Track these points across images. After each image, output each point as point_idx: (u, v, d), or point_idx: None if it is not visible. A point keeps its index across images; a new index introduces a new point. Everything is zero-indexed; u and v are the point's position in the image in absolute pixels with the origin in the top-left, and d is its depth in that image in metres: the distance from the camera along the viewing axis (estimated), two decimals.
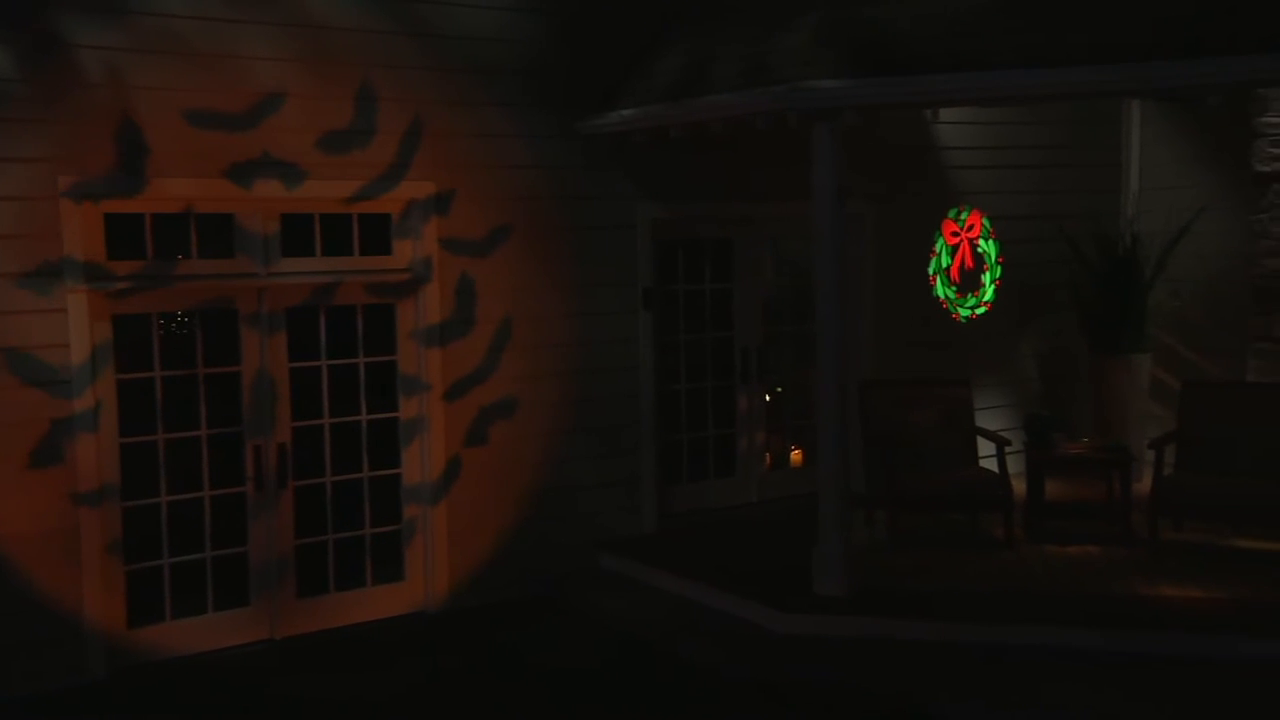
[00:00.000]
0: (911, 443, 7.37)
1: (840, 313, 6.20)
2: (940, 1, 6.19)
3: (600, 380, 7.29)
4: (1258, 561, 6.67)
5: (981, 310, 8.45)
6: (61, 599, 5.70)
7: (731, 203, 7.77)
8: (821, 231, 6.16)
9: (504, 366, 6.94)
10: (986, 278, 8.53)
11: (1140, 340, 8.53)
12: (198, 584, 6.19)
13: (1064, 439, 7.62)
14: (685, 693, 5.59)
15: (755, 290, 8.22)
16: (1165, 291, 8.64)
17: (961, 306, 8.37)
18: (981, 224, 8.34)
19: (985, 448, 7.64)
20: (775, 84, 6.03)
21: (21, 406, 5.58)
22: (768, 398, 8.37)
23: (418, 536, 6.76)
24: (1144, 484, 7.48)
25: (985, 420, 8.16)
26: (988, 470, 7.47)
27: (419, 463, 6.74)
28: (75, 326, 5.68)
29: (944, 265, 8.29)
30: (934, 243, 8.04)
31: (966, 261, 8.44)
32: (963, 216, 8.27)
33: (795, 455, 8.55)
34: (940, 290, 8.27)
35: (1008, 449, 7.28)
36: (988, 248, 8.44)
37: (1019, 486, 7.51)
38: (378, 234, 6.64)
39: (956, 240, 8.40)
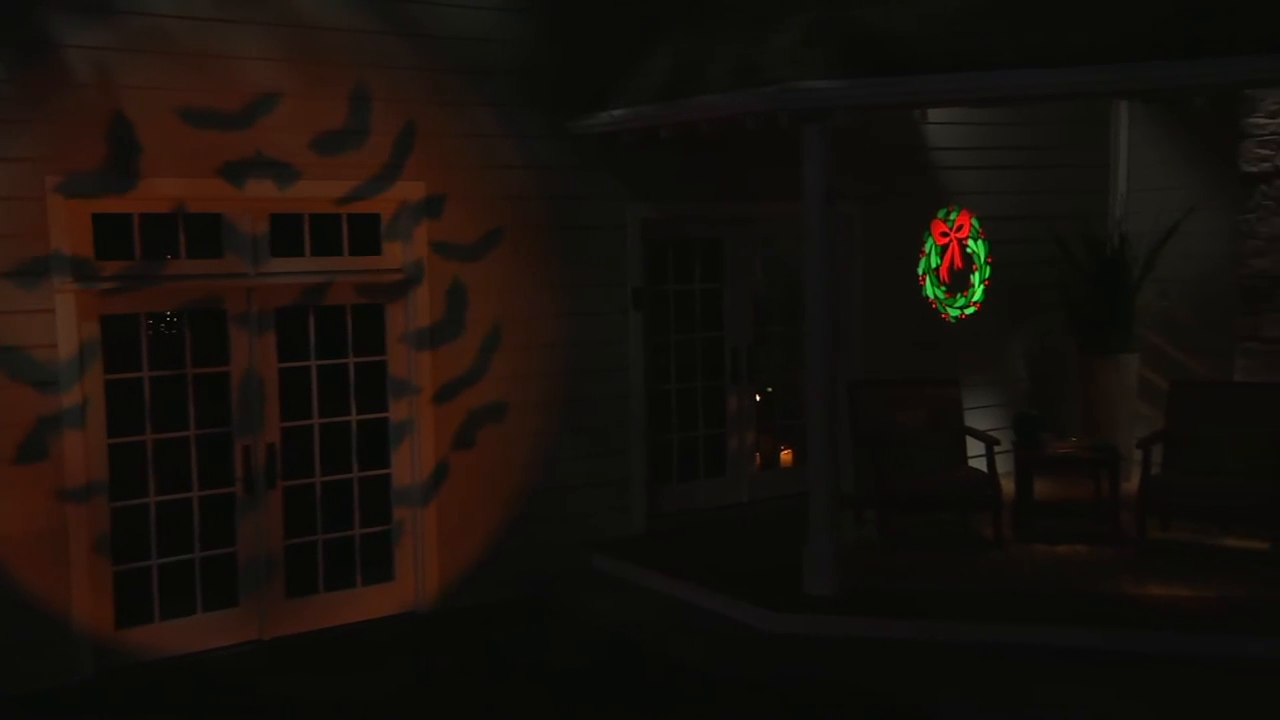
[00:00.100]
0: (901, 442, 7.39)
1: (830, 313, 6.22)
2: (931, 2, 6.20)
3: (590, 381, 7.29)
4: (1245, 560, 6.71)
5: (970, 310, 8.46)
6: (49, 599, 5.68)
7: (722, 203, 7.77)
8: (811, 232, 6.17)
9: (494, 368, 6.93)
10: (975, 278, 8.53)
11: (1128, 340, 8.57)
12: (186, 585, 6.17)
13: (1052, 439, 7.64)
14: (676, 693, 5.59)
15: (745, 290, 8.23)
16: (1153, 292, 8.68)
17: (951, 306, 8.38)
18: (970, 224, 8.35)
19: (974, 447, 7.66)
20: (766, 84, 6.04)
21: (7, 403, 5.55)
22: (758, 398, 8.38)
23: (407, 537, 6.75)
24: (1132, 483, 7.50)
25: (974, 420, 8.19)
26: (977, 470, 7.49)
27: (409, 464, 6.73)
28: (63, 325, 5.65)
29: (933, 265, 8.30)
30: (923, 243, 8.05)
31: (956, 262, 8.45)
32: (952, 217, 8.28)
33: (785, 455, 8.56)
34: (929, 290, 8.28)
35: (997, 449, 7.31)
36: (977, 248, 8.45)
37: (1008, 486, 7.54)
38: (368, 235, 6.62)
39: (946, 240, 8.41)
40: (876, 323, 8.33)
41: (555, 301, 7.14)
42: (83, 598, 5.75)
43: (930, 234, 8.11)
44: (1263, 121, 7.94)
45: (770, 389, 8.48)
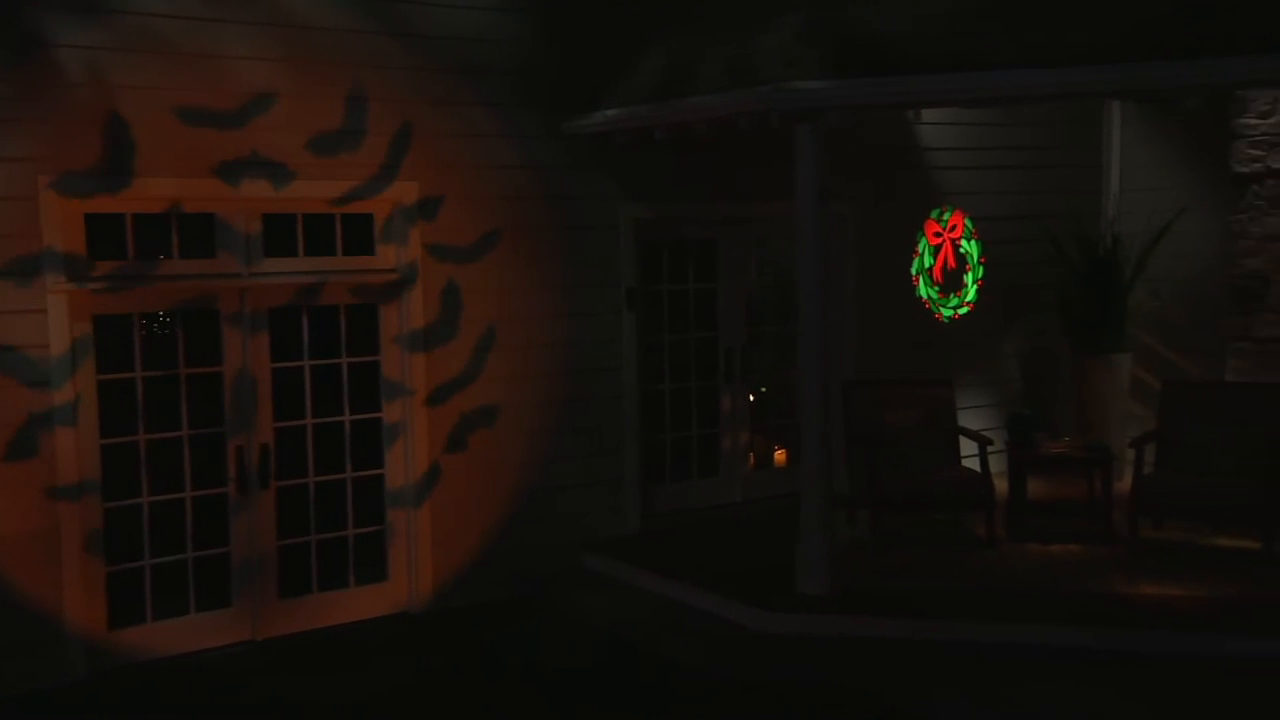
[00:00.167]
0: (894, 442, 7.40)
1: (823, 313, 6.22)
2: (924, 2, 6.21)
3: (584, 381, 7.29)
4: (1237, 560, 6.73)
5: (964, 310, 8.49)
6: (41, 599, 5.67)
7: (715, 203, 7.78)
8: (804, 232, 6.17)
9: (488, 368, 6.93)
10: (969, 278, 8.57)
11: (1121, 340, 8.59)
12: (179, 585, 6.16)
13: (1045, 438, 7.66)
14: (669, 692, 5.60)
15: (739, 290, 8.23)
16: (1146, 292, 8.70)
17: (944, 306, 8.41)
18: (964, 224, 8.38)
19: (968, 447, 7.67)
20: (758, 84, 6.04)
21: None
22: (751, 398, 8.38)
23: (401, 537, 6.75)
24: (1125, 483, 7.52)
25: (967, 420, 8.20)
26: (970, 469, 7.50)
27: (402, 464, 6.72)
28: (55, 324, 5.64)
29: (927, 265, 8.33)
30: (917, 243, 8.07)
31: (949, 262, 8.48)
32: (945, 217, 8.31)
33: (779, 455, 8.57)
34: (923, 290, 8.31)
35: (990, 448, 7.32)
36: (970, 248, 8.48)
37: (1001, 485, 7.54)
38: (363, 235, 6.62)
39: (939, 241, 8.43)
40: (870, 323, 8.34)
41: (549, 302, 7.14)
42: (75, 598, 5.74)
43: (924, 234, 8.14)
44: (1254, 122, 7.96)
45: (764, 389, 8.49)
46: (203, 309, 6.16)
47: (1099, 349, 8.55)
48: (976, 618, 5.99)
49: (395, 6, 6.52)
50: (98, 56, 5.70)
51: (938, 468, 7.46)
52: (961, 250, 8.44)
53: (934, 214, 8.18)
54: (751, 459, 8.40)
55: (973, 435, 7.47)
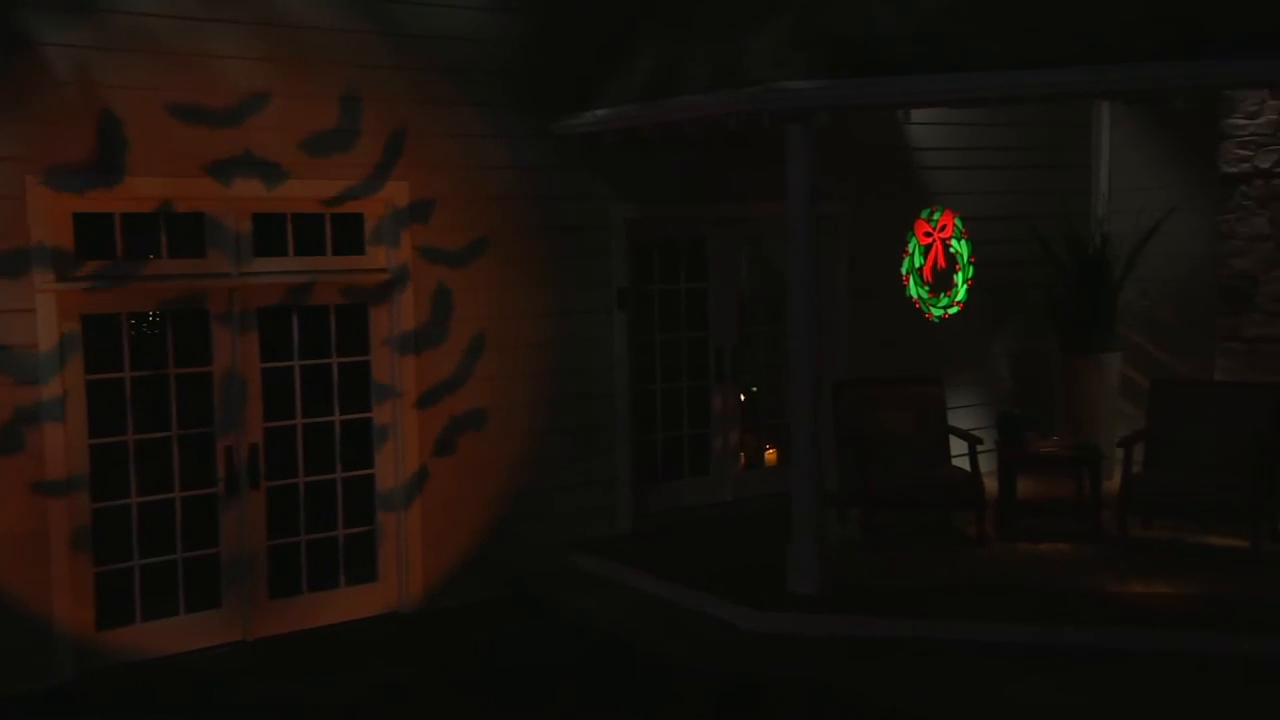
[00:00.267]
0: (885, 442, 7.41)
1: (813, 313, 6.23)
2: (914, 3, 6.22)
3: (575, 381, 7.29)
4: (1225, 558, 6.75)
5: (954, 310, 8.49)
6: (29, 600, 5.64)
7: (706, 203, 7.78)
8: (794, 232, 6.18)
9: (479, 370, 6.92)
10: (959, 278, 8.57)
11: (1110, 340, 8.62)
12: (169, 585, 6.14)
13: (1035, 437, 7.68)
14: (660, 691, 5.60)
15: (730, 290, 8.24)
16: (1135, 291, 8.73)
17: (934, 306, 8.41)
18: (954, 224, 8.38)
19: (958, 446, 7.69)
20: (749, 85, 6.05)
21: None
22: (742, 397, 8.39)
23: (391, 538, 6.73)
24: (1114, 482, 7.55)
25: (957, 419, 8.22)
26: (960, 469, 7.52)
27: (392, 466, 6.71)
28: (43, 323, 5.62)
29: (917, 265, 8.33)
30: (907, 243, 8.08)
31: (939, 262, 8.49)
32: (935, 217, 8.32)
33: (770, 454, 8.58)
34: (913, 290, 8.31)
35: (980, 447, 7.34)
36: (960, 248, 8.49)
37: (991, 485, 7.56)
38: (354, 235, 6.61)
39: (929, 240, 8.44)
40: (860, 322, 8.36)
41: (540, 302, 7.13)
42: (63, 598, 5.71)
43: (914, 234, 8.14)
44: (1242, 122, 8.00)
45: (755, 388, 8.50)
46: (192, 309, 6.14)
47: (1088, 348, 8.57)
48: (967, 617, 6.00)
49: (388, 6, 6.51)
50: (89, 55, 5.68)
51: (928, 467, 7.48)
52: (952, 250, 8.45)
53: (924, 214, 8.19)
54: (742, 458, 8.41)
55: (963, 434, 7.48)
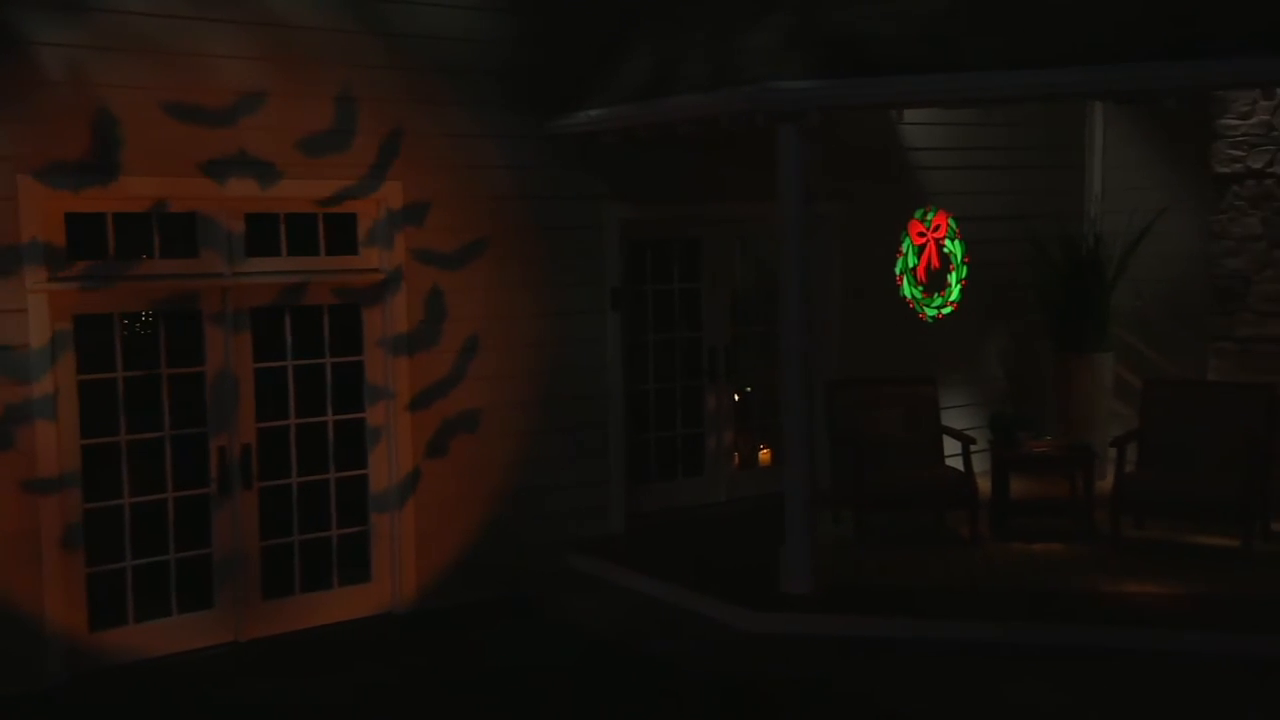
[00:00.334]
0: (878, 441, 7.42)
1: (806, 312, 6.23)
2: (909, 3, 6.22)
3: (569, 381, 7.29)
4: (1217, 558, 6.77)
5: (948, 310, 8.50)
6: (21, 600, 5.62)
7: (701, 203, 7.78)
8: (787, 232, 6.18)
9: (472, 371, 6.91)
10: (952, 278, 8.58)
11: (1103, 339, 8.63)
12: (161, 586, 6.13)
13: (1028, 437, 7.69)
14: (654, 691, 5.59)
15: (724, 290, 8.24)
16: (1128, 291, 8.75)
17: (928, 306, 8.42)
18: (948, 224, 8.39)
19: (951, 446, 7.70)
20: (743, 84, 6.05)
21: None
22: (736, 397, 8.39)
23: (384, 538, 6.72)
24: (1107, 482, 7.56)
25: (951, 419, 8.23)
26: (953, 468, 7.53)
27: (385, 467, 6.70)
28: (35, 322, 5.59)
29: (910, 265, 8.34)
30: (901, 243, 8.08)
31: (933, 261, 8.49)
32: (929, 217, 8.32)
33: (764, 454, 8.58)
34: (907, 290, 8.32)
35: (973, 447, 7.35)
36: (954, 248, 8.50)
37: (984, 485, 7.57)
38: (348, 235, 6.59)
39: (923, 240, 8.44)
40: (854, 322, 8.36)
41: (534, 302, 7.13)
42: (55, 599, 5.69)
43: (908, 234, 8.14)
44: (1234, 123, 8.02)
45: (748, 388, 8.50)
46: (185, 308, 6.12)
47: (1082, 348, 8.59)
48: (960, 616, 6.01)
49: (384, 6, 6.50)
50: (84, 54, 5.66)
51: (921, 467, 7.48)
52: (945, 250, 8.46)
53: (918, 214, 8.19)
54: (736, 458, 8.41)
55: (956, 434, 7.49)
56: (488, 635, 6.35)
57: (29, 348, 5.60)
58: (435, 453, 6.79)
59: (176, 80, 5.90)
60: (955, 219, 8.38)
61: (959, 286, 8.62)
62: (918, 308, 8.44)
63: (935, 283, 8.30)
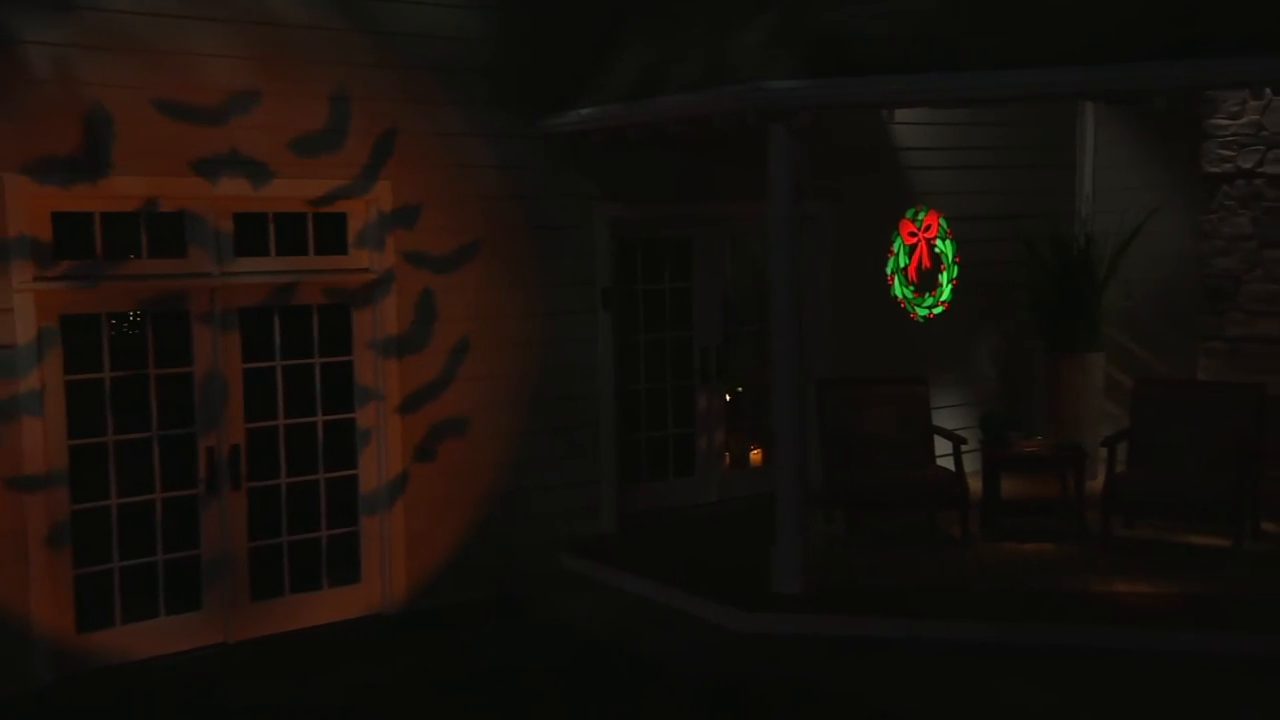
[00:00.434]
0: (869, 441, 7.42)
1: (796, 312, 6.23)
2: (900, 3, 6.22)
3: (560, 381, 7.27)
4: (1208, 558, 6.78)
5: (939, 310, 8.50)
6: (6, 602, 5.58)
7: (691, 202, 7.77)
8: (777, 231, 6.17)
9: (462, 371, 6.89)
10: (944, 277, 8.58)
11: (1094, 339, 8.64)
12: (149, 587, 6.09)
13: (1019, 437, 7.69)
14: (645, 692, 5.58)
15: (715, 290, 8.23)
16: (1119, 291, 8.76)
17: (919, 306, 8.42)
18: (939, 224, 8.39)
19: (942, 446, 7.69)
20: (734, 83, 6.04)
21: None
22: (727, 397, 8.38)
23: (374, 539, 6.70)
24: (1098, 481, 7.57)
25: (942, 419, 8.23)
26: (944, 468, 7.53)
27: (375, 468, 6.67)
28: (21, 321, 5.56)
29: (901, 265, 8.34)
30: (892, 242, 8.08)
31: (924, 261, 8.49)
32: (920, 217, 8.32)
33: (755, 454, 8.57)
34: (898, 290, 8.31)
35: (964, 447, 7.35)
36: (945, 248, 8.50)
37: (975, 484, 7.58)
38: (338, 236, 6.56)
39: (914, 240, 8.44)
40: (845, 322, 8.36)
41: (525, 302, 7.11)
42: (41, 600, 5.66)
43: (898, 233, 8.14)
44: (1224, 122, 8.03)
45: (740, 388, 8.49)
46: (173, 308, 6.09)
47: (1073, 348, 8.60)
48: (951, 616, 6.01)
49: (377, 6, 6.48)
50: (73, 53, 5.64)
51: (912, 466, 7.48)
52: (936, 250, 8.46)
53: (909, 213, 8.19)
54: (727, 458, 8.40)
55: (947, 434, 7.49)
56: (478, 636, 6.33)
57: (15, 345, 5.57)
58: (425, 454, 6.77)
59: (168, 78, 5.88)
60: (946, 219, 8.38)
61: (950, 286, 8.62)
62: (909, 307, 8.44)
63: (926, 282, 8.30)
